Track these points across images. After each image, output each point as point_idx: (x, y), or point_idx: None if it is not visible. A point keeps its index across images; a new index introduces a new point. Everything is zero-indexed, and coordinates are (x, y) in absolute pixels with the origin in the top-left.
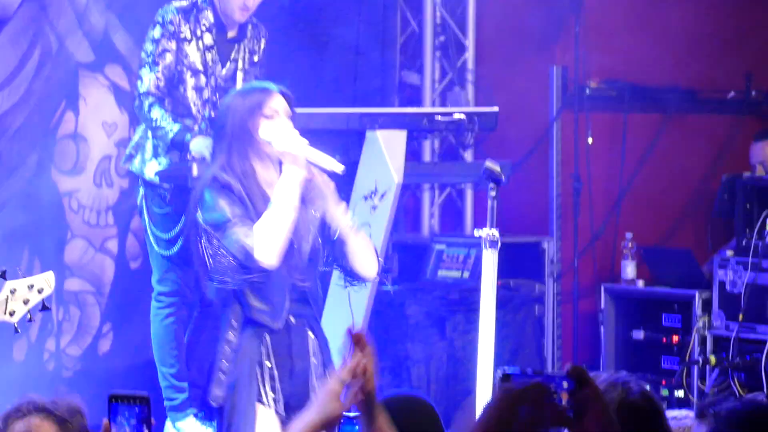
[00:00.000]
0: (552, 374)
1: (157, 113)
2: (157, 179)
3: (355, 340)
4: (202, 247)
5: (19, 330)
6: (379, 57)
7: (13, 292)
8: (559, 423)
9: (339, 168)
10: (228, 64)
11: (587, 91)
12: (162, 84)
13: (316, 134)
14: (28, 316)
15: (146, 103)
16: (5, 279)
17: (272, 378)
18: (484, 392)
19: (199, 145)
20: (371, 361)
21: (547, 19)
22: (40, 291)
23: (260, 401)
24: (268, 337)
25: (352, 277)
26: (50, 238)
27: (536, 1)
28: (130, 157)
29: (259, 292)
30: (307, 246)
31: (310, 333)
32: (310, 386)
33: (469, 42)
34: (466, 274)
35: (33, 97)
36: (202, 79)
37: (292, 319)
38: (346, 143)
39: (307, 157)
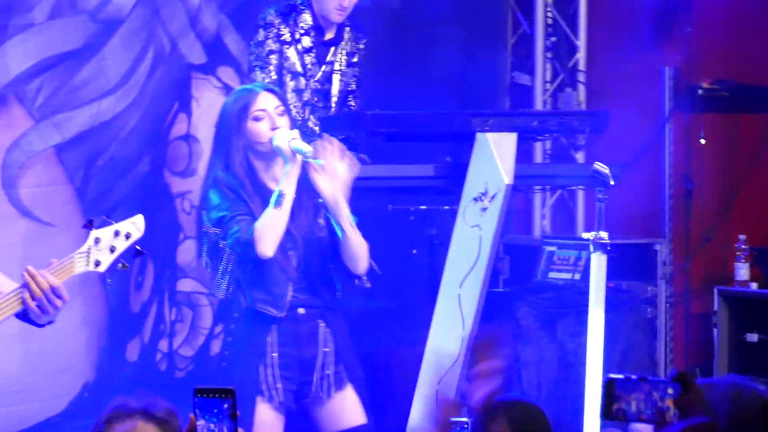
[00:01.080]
0: (657, 380)
1: None
2: None
3: (490, 340)
4: (207, 244)
5: (110, 280)
6: (490, 58)
7: (97, 241)
8: (660, 427)
9: (309, 150)
10: (324, 66)
11: (699, 91)
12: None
13: (425, 136)
14: (120, 264)
15: None
16: (91, 228)
17: (278, 367)
18: (593, 395)
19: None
20: (502, 363)
21: (659, 19)
22: (127, 236)
23: (261, 394)
24: (274, 328)
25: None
26: (163, 239)
27: (648, 0)
28: None
29: (260, 283)
30: (310, 235)
31: (321, 323)
32: (321, 375)
33: (581, 42)
34: (577, 276)
35: (146, 99)
36: (302, 81)
37: (301, 310)
38: (456, 145)
39: (292, 148)
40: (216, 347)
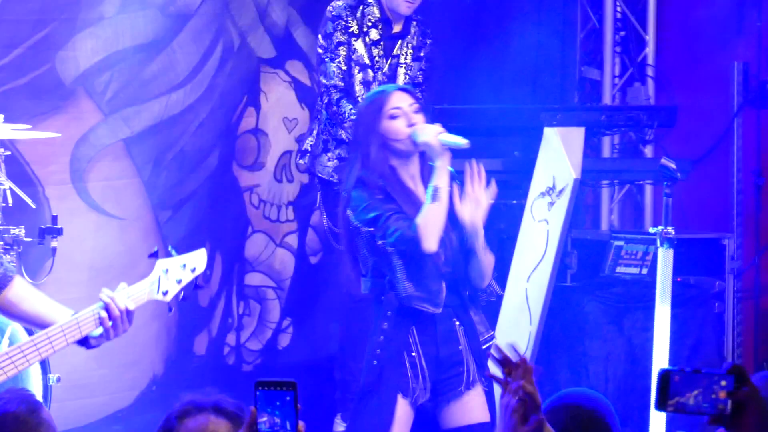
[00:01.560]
0: (711, 371)
1: (346, 106)
2: (327, 175)
3: (519, 367)
4: (356, 244)
5: (172, 309)
6: (559, 52)
7: (166, 271)
8: (717, 421)
9: (464, 143)
10: (390, 59)
11: None
12: (344, 77)
13: (493, 131)
14: (180, 294)
15: (335, 96)
16: (157, 257)
17: (418, 367)
18: None
19: None
20: (533, 389)
21: (728, 13)
22: (193, 270)
23: (403, 392)
24: (414, 327)
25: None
26: (231, 232)
27: None
28: (304, 153)
29: (416, 281)
30: (454, 234)
31: (456, 321)
32: (459, 371)
33: (650, 37)
34: (645, 271)
35: (215, 92)
36: (370, 73)
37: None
38: (525, 139)
39: (441, 142)
40: (284, 341)
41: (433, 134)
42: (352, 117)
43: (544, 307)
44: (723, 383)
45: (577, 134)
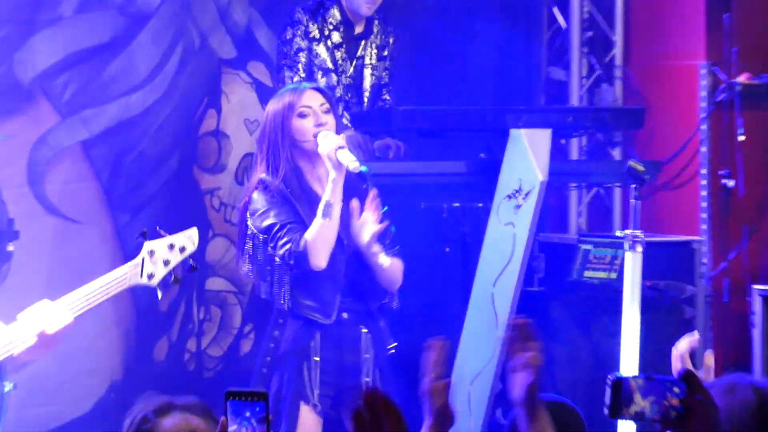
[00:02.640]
0: (663, 378)
1: None
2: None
3: (524, 332)
4: (253, 249)
5: (160, 294)
6: (525, 53)
7: (151, 253)
8: (667, 427)
9: (357, 167)
10: (355, 61)
11: (738, 87)
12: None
13: (459, 132)
14: (172, 277)
15: None
16: (145, 239)
17: (320, 371)
18: None
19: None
20: (538, 355)
21: (696, 13)
22: (182, 250)
23: (305, 400)
24: (318, 333)
25: None
26: None
27: None
28: None
29: (307, 290)
30: (354, 240)
31: (363, 328)
32: (360, 381)
33: (618, 37)
34: (614, 275)
35: (175, 94)
36: (333, 77)
37: (344, 315)
38: (490, 141)
39: (336, 157)
40: (246, 347)
41: (332, 147)
42: None
43: (511, 311)
44: (676, 390)
45: (544, 136)
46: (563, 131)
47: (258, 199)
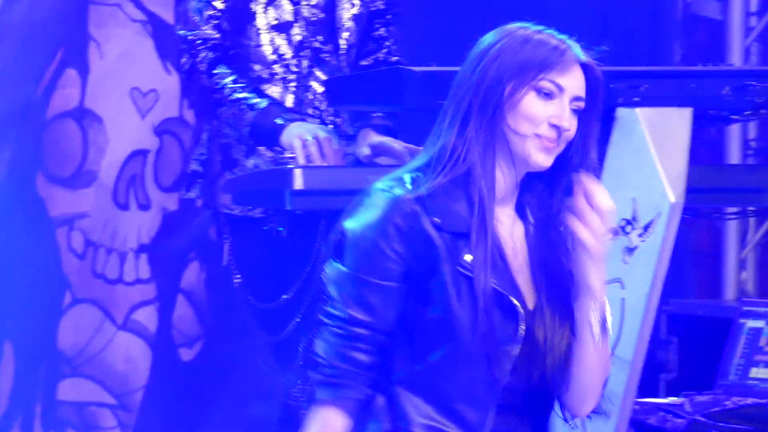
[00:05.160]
0: None
1: (222, 75)
2: (238, 210)
3: None
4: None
5: None
6: None
7: None
8: None
9: None
10: None
11: None
12: (225, 24)
13: None
14: None
15: (202, 57)
16: None
17: None
18: None
19: (297, 135)
20: None
21: None
22: None
23: None
24: None
25: None
26: (34, 304)
27: None
28: (192, 179)
29: None
30: None
31: None
32: None
33: None
34: None
35: (6, 43)
36: (286, 8)
37: None
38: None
39: None
40: None
41: None
42: (238, 97)
43: None
44: None
45: (680, 122)
46: (715, 112)
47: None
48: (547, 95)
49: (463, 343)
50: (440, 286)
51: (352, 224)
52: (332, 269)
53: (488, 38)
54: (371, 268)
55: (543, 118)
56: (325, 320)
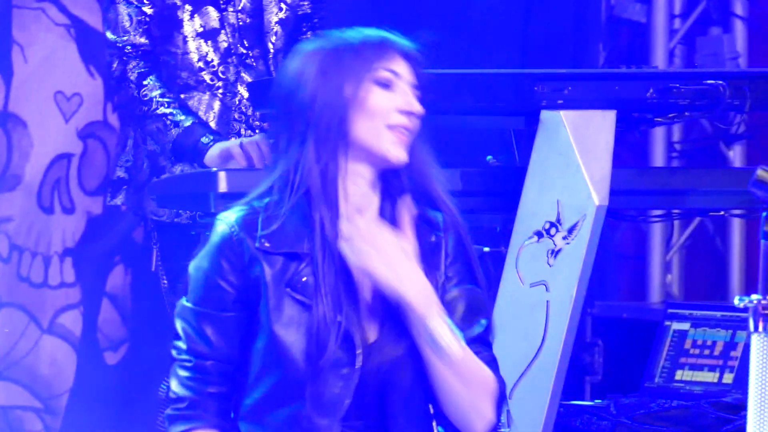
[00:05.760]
0: None
1: (151, 87)
2: (166, 216)
3: None
4: None
5: None
6: None
7: None
8: None
9: None
10: None
11: None
12: (154, 30)
13: (454, 115)
14: None
15: (132, 65)
16: None
17: None
18: None
19: (220, 155)
20: None
21: None
22: None
23: None
24: None
25: None
26: None
27: None
28: (118, 186)
29: None
30: None
31: None
32: None
33: None
34: (729, 379)
35: None
36: (212, 15)
37: None
38: (505, 132)
39: None
40: None
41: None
42: (164, 112)
43: None
44: None
45: (604, 124)
46: (639, 114)
47: None
48: (387, 85)
49: (290, 372)
50: (265, 311)
51: (193, 262)
52: (178, 305)
53: (304, 54)
54: (207, 300)
55: (391, 107)
56: (174, 355)
